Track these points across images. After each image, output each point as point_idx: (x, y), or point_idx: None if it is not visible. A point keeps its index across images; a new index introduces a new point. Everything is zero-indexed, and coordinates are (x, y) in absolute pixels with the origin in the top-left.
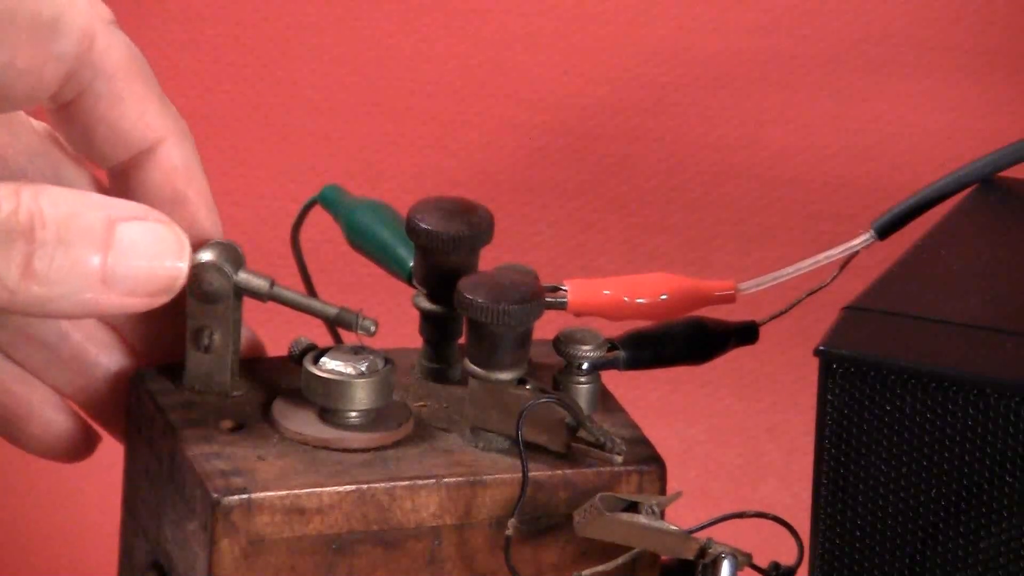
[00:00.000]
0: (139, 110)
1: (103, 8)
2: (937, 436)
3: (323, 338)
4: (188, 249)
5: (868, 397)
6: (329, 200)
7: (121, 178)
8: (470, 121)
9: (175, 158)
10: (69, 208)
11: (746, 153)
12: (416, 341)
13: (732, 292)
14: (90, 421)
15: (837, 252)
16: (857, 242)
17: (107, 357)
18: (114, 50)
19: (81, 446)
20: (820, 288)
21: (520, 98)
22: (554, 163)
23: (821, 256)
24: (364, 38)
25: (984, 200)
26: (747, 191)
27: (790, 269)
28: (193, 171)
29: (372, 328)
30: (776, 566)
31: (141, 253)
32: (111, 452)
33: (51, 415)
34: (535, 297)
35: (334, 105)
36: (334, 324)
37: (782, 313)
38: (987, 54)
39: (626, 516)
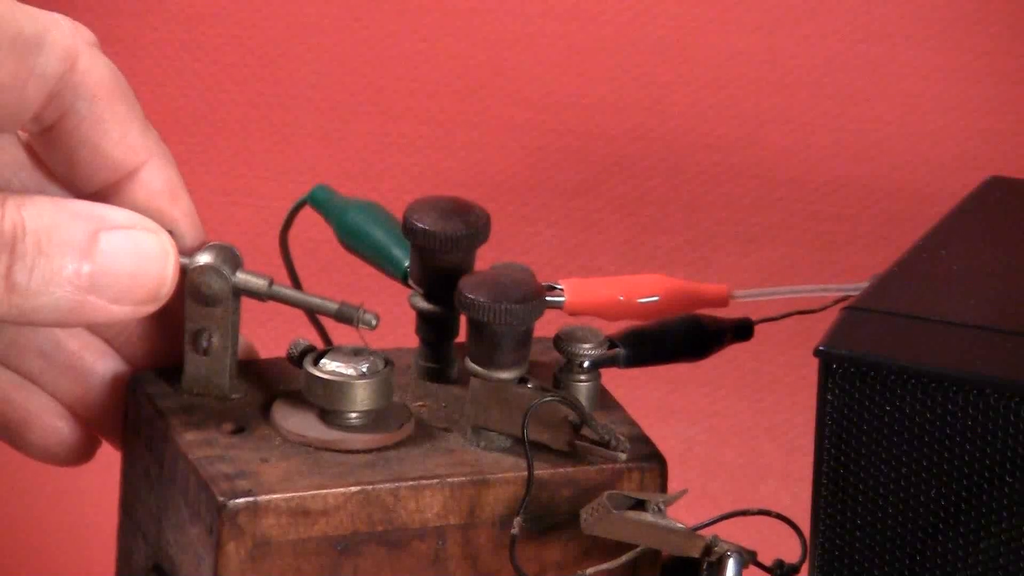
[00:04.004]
0: (121, 132)
1: (86, 31)
2: (937, 436)
3: (320, 341)
4: (174, 257)
5: (868, 397)
6: (319, 201)
7: (104, 202)
8: (470, 121)
9: (158, 179)
10: (51, 219)
11: (746, 153)
12: (412, 341)
13: (725, 297)
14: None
15: (834, 288)
16: (854, 287)
17: (103, 365)
18: (96, 71)
19: (81, 451)
20: (809, 312)
21: (520, 98)
22: (554, 163)
23: (819, 287)
24: (364, 38)
25: (984, 200)
26: (747, 191)
27: (786, 289)
28: (177, 192)
29: (374, 321)
30: (781, 563)
31: (124, 262)
32: (110, 453)
33: (50, 421)
34: (536, 296)
35: (334, 105)
36: (335, 319)
37: (770, 320)
38: (987, 54)
39: (633, 514)
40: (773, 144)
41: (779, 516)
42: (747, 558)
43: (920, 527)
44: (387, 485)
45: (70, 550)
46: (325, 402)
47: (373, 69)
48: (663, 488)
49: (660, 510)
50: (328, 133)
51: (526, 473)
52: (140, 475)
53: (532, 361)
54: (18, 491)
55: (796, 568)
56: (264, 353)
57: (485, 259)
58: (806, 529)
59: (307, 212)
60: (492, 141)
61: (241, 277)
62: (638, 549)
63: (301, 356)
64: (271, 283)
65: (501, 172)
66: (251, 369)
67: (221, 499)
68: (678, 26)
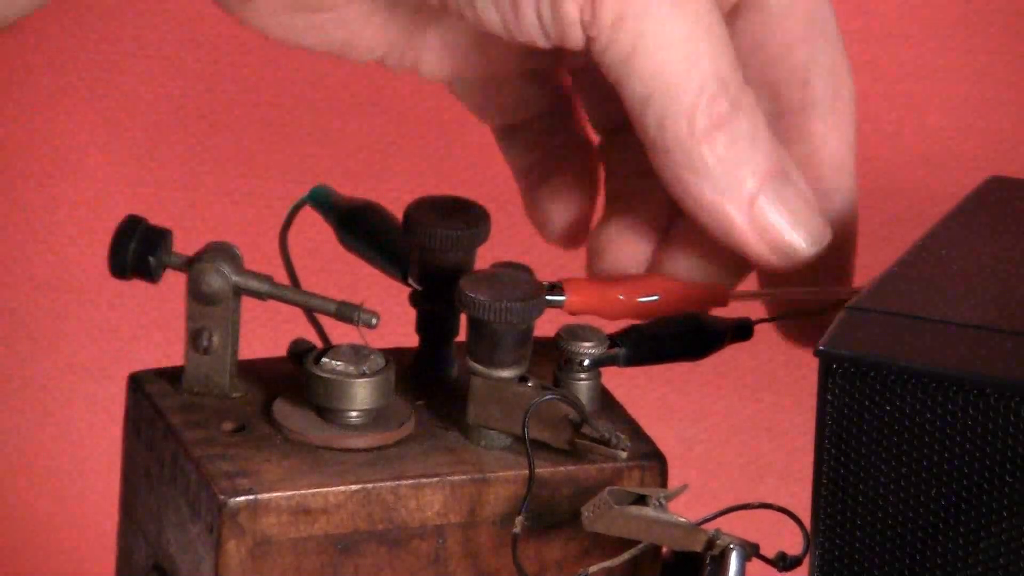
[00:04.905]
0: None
1: None
2: (937, 436)
3: (319, 340)
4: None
5: (868, 397)
6: (319, 201)
7: None
8: (470, 121)
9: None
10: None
11: None
12: (412, 341)
13: (725, 296)
14: None
15: (830, 290)
16: (848, 291)
17: None
18: None
19: None
20: (805, 313)
21: None
22: None
23: (815, 288)
24: None
25: (985, 200)
26: None
27: (783, 290)
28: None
29: (373, 321)
30: (783, 556)
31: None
32: (110, 452)
33: None
34: (536, 294)
35: (334, 105)
36: (335, 318)
37: (768, 320)
38: (987, 54)
39: (635, 509)
40: None
41: (780, 509)
42: (750, 551)
43: (920, 527)
44: (387, 484)
45: (70, 550)
46: (325, 401)
47: (373, 69)
48: (663, 486)
49: (661, 505)
50: (328, 133)
51: (527, 472)
52: (140, 475)
53: (532, 360)
54: (18, 491)
55: (799, 560)
56: (264, 353)
57: (485, 259)
58: (807, 523)
59: (307, 212)
60: (492, 141)
61: (241, 276)
62: (640, 546)
63: (301, 355)
64: (271, 283)
65: (501, 172)
66: (251, 368)
67: (222, 497)
68: None
